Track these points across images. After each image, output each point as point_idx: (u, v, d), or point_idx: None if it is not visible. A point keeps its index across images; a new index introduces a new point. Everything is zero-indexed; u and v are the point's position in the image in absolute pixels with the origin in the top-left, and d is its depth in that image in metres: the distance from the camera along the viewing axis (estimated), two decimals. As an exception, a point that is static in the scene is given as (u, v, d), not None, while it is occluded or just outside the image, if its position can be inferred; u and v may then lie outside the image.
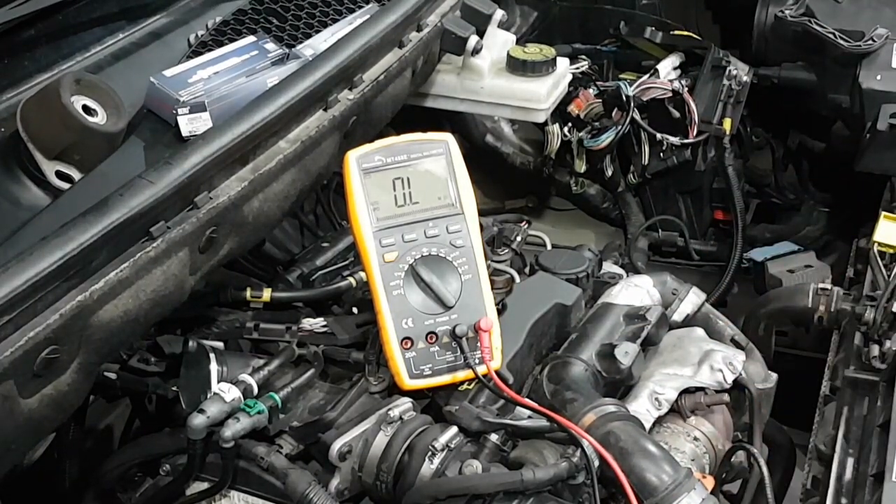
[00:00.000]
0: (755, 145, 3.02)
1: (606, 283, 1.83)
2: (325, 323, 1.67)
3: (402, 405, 1.48)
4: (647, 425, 1.56)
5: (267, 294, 1.77)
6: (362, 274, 1.74)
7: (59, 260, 1.24)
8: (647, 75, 2.73)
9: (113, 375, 1.72)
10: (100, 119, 1.57)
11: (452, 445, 1.42)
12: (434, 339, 1.50)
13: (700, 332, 1.78)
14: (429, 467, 1.39)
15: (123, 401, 1.89)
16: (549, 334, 1.68)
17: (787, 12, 2.52)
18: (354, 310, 1.77)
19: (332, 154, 1.78)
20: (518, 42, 2.42)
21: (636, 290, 1.78)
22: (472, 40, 2.19)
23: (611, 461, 1.32)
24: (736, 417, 1.74)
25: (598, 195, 2.94)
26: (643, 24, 2.87)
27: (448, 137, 1.55)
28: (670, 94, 2.65)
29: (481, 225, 1.63)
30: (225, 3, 2.04)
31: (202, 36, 1.94)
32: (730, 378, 1.66)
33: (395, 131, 1.94)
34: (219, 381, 1.53)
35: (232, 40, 1.90)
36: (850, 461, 1.60)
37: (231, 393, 1.46)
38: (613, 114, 2.72)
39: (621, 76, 2.83)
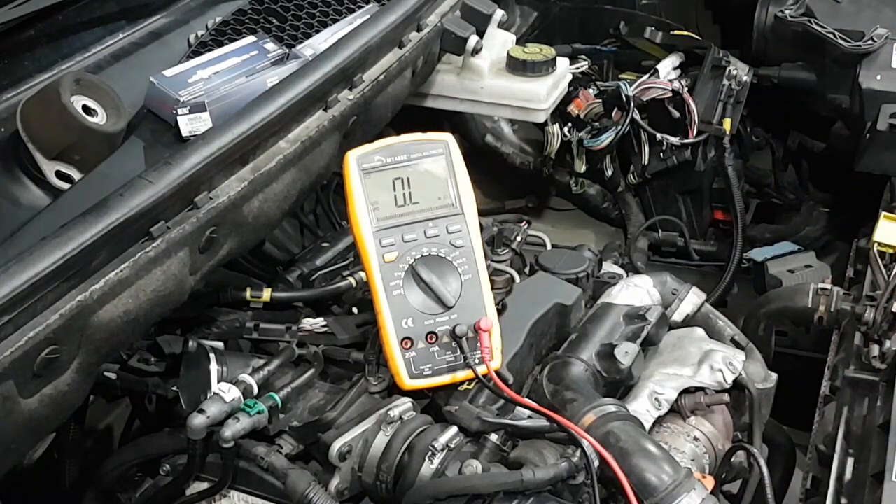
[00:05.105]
0: (755, 145, 3.01)
1: (606, 283, 1.83)
2: (325, 323, 1.67)
3: (402, 405, 1.48)
4: (647, 425, 1.56)
5: (267, 294, 1.77)
6: (362, 274, 1.74)
7: (59, 260, 1.24)
8: (647, 75, 2.72)
9: (113, 375, 1.72)
10: (100, 119, 1.57)
11: (452, 445, 1.42)
12: (434, 339, 1.49)
13: (700, 332, 1.78)
14: (429, 467, 1.39)
15: (123, 401, 1.89)
16: (549, 334, 1.68)
17: (787, 12, 2.52)
18: (354, 310, 1.77)
19: (332, 154, 1.78)
20: (518, 42, 2.41)
21: (636, 290, 1.78)
22: (472, 40, 2.19)
23: (611, 461, 1.32)
24: (736, 417, 1.74)
25: (598, 195, 2.94)
26: (643, 24, 2.86)
27: (448, 137, 1.55)
28: (670, 94, 2.65)
29: (481, 225, 1.63)
30: (225, 3, 2.04)
31: (202, 36, 1.94)
32: (730, 378, 1.66)
33: (395, 131, 1.94)
34: (219, 381, 1.53)
35: (232, 40, 1.90)
36: (850, 461, 1.60)
37: (231, 393, 1.46)
38: (613, 114, 2.72)
39: (621, 76, 2.83)
